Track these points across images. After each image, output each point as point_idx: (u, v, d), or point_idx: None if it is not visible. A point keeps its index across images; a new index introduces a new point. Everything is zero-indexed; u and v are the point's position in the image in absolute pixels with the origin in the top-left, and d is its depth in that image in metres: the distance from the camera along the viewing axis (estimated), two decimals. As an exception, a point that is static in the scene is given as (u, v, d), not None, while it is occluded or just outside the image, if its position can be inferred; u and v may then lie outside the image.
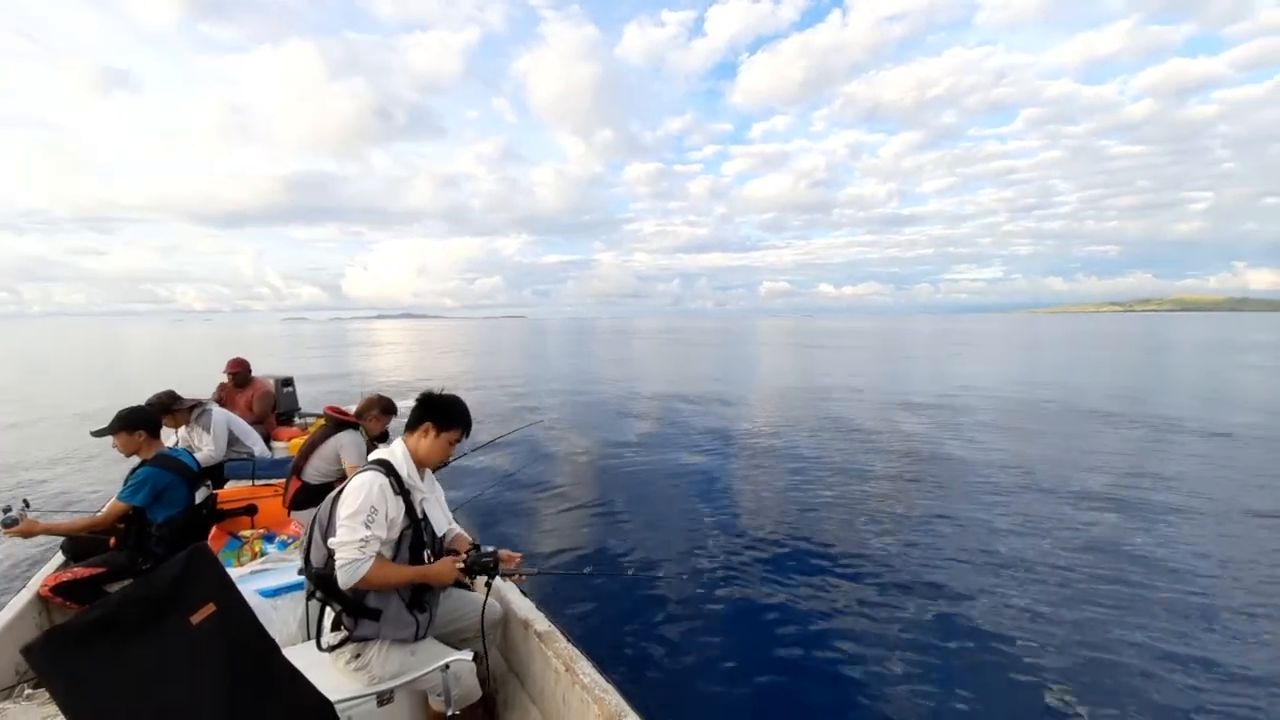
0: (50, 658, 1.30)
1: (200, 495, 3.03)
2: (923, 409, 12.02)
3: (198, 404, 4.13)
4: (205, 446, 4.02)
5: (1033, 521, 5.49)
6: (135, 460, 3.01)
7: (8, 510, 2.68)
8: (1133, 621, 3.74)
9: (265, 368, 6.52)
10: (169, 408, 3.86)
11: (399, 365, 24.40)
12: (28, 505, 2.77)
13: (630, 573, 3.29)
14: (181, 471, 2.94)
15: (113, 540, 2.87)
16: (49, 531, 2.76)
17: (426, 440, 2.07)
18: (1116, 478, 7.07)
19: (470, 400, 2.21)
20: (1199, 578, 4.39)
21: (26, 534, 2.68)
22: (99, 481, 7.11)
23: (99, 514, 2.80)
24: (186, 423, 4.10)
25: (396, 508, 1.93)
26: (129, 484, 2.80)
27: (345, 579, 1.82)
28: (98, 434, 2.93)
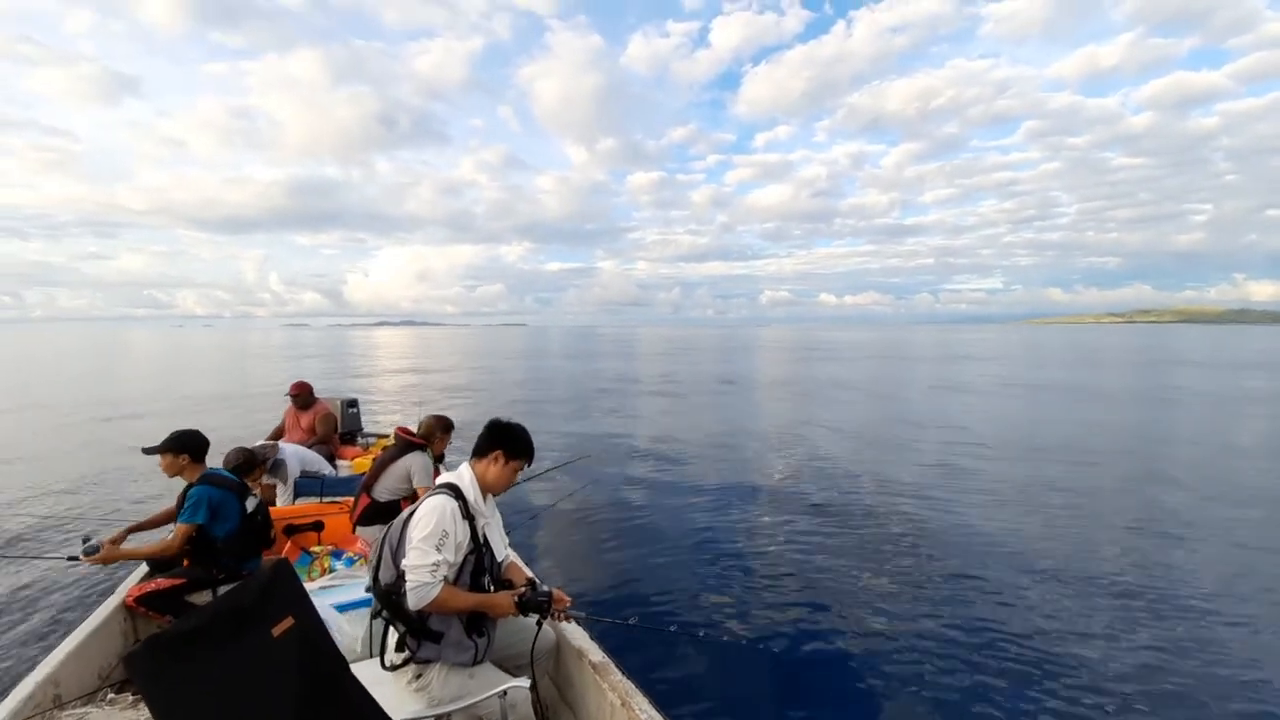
0: (149, 666, 1.34)
1: (250, 504, 3.14)
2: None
3: (268, 455, 4.21)
4: (283, 497, 4.21)
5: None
6: (178, 482, 3.12)
7: (88, 540, 2.82)
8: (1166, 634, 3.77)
9: (326, 389, 6.61)
10: (250, 469, 3.84)
11: (417, 383, 24.14)
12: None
13: (673, 628, 3.30)
14: (230, 486, 3.06)
15: (185, 562, 2.97)
16: (127, 558, 2.89)
17: (495, 467, 2.11)
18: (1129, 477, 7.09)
19: (529, 419, 2.25)
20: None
21: (107, 561, 2.82)
22: (147, 499, 7.15)
23: (169, 539, 2.91)
24: (263, 474, 4.21)
25: (464, 532, 1.97)
26: (186, 506, 2.92)
27: (415, 601, 1.86)
28: (149, 451, 3.06)
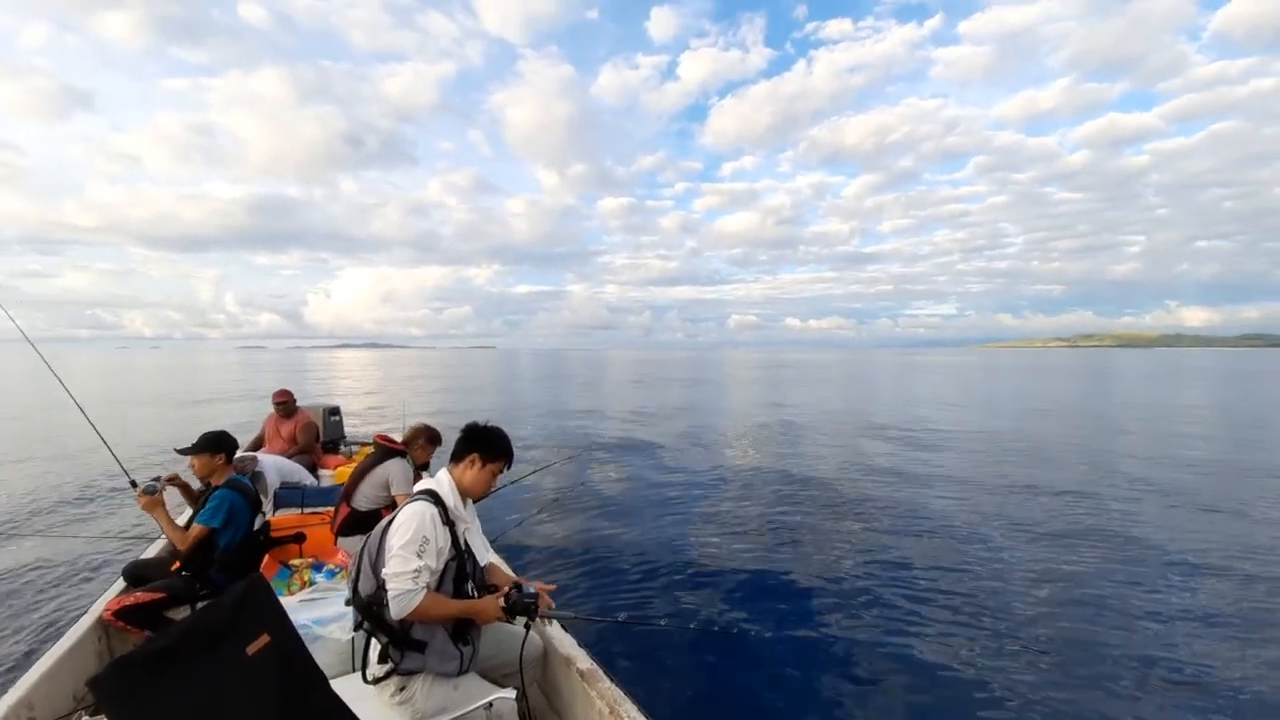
0: (115, 689, 1.28)
1: (257, 523, 3.11)
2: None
3: (247, 468, 4.11)
4: (264, 508, 4.03)
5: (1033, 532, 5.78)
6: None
7: (157, 479, 2.94)
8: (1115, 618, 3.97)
9: (307, 400, 6.52)
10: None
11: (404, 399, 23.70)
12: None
13: (663, 622, 3.23)
14: (250, 498, 3.05)
15: (176, 564, 2.89)
16: (158, 518, 2.85)
17: (472, 471, 2.08)
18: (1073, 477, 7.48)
19: (509, 429, 2.25)
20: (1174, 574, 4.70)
21: (149, 508, 2.82)
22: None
23: (184, 533, 2.87)
24: None
25: (444, 538, 1.93)
26: (209, 506, 2.88)
27: (398, 609, 1.81)
28: (183, 452, 3.03)
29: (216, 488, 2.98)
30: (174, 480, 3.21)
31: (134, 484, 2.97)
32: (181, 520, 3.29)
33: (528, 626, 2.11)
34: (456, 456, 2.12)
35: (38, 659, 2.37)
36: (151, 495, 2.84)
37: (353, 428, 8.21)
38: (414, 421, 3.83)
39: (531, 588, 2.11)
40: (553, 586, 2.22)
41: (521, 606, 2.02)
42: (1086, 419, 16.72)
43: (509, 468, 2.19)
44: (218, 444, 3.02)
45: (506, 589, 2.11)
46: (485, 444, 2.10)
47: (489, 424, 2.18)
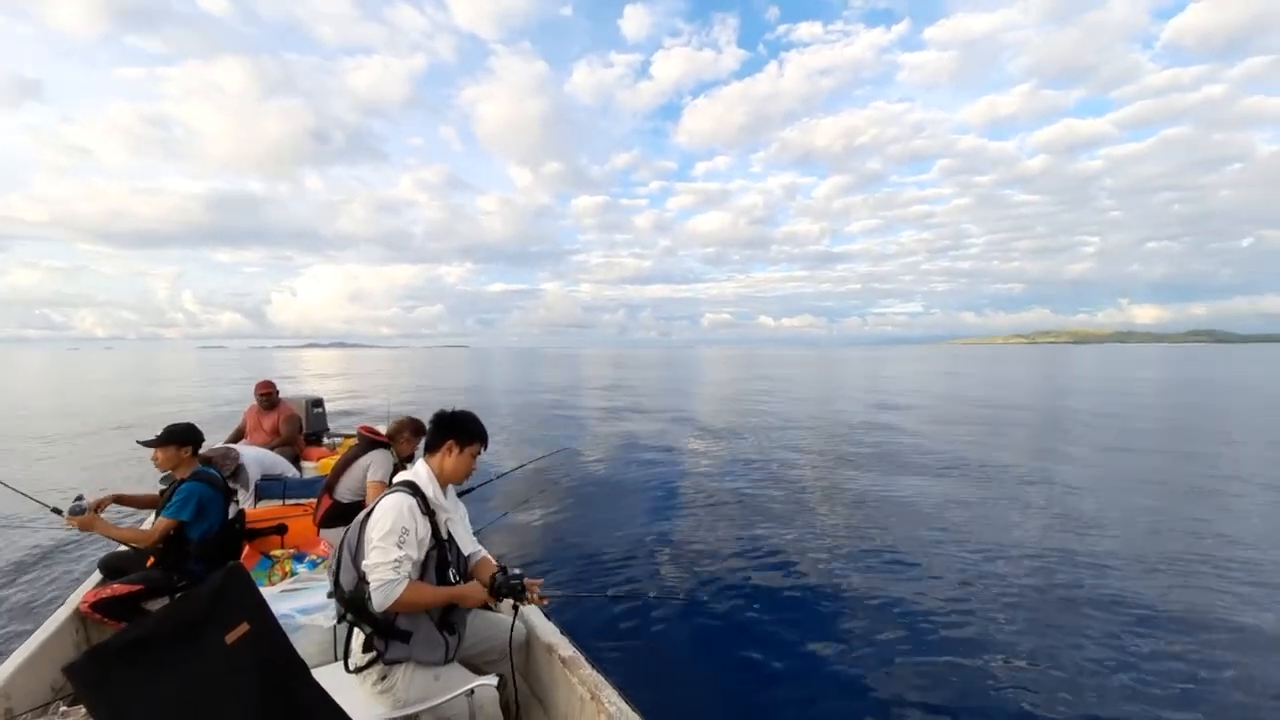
0: (92, 676, 1.27)
1: (231, 511, 3.02)
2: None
3: (230, 463, 4.02)
4: (244, 502, 3.96)
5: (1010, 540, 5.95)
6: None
7: (80, 499, 2.72)
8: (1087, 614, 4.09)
9: (292, 390, 6.39)
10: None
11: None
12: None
13: (653, 594, 3.26)
14: (221, 487, 2.97)
15: (151, 560, 2.81)
16: (103, 532, 2.71)
17: (451, 458, 2.08)
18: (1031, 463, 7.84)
19: (491, 427, 2.25)
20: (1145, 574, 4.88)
21: (85, 527, 2.66)
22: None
23: (147, 530, 2.77)
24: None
25: (424, 528, 1.93)
26: (175, 500, 2.78)
27: (380, 600, 1.80)
28: (146, 443, 2.90)
29: (182, 481, 2.88)
30: (118, 500, 3.06)
31: (58, 511, 2.77)
32: (148, 523, 3.20)
33: (515, 609, 2.10)
34: (432, 446, 2.11)
35: (14, 651, 2.32)
36: (81, 515, 2.68)
37: (337, 420, 8.11)
38: (399, 414, 3.80)
39: (517, 570, 2.09)
40: (540, 581, 2.18)
41: (509, 589, 1.99)
42: (1050, 404, 17.48)
43: (485, 448, 2.19)
44: (185, 437, 2.93)
45: (492, 573, 2.08)
46: (458, 428, 2.10)
47: (456, 409, 2.18)
